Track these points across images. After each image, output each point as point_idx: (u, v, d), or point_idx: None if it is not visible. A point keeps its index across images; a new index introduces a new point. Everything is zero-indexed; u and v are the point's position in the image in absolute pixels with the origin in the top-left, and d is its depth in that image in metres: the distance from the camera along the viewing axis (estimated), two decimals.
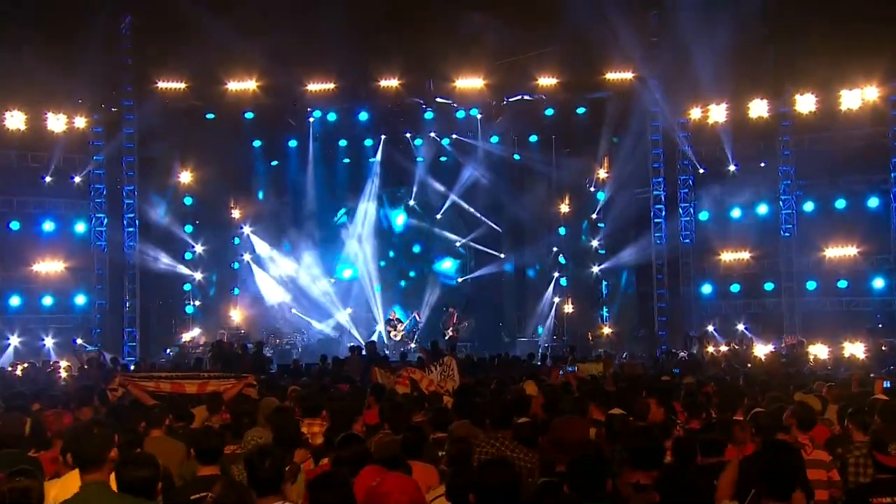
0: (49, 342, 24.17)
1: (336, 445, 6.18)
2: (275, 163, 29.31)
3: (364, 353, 21.23)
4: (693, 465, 6.08)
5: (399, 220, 30.31)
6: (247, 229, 29.02)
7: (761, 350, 23.37)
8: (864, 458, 6.28)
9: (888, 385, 10.56)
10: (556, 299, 28.82)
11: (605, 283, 28.75)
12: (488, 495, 4.53)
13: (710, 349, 23.57)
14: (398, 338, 26.88)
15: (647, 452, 5.41)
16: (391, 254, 30.24)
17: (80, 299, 25.53)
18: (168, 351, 26.12)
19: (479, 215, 29.56)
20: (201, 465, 5.98)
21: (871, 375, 13.76)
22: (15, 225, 24.82)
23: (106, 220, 25.89)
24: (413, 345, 26.05)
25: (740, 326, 25.34)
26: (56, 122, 24.73)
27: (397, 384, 11.80)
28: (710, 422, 7.83)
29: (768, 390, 10.36)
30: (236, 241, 28.99)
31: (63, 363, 21.84)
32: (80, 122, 25.24)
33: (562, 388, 11.30)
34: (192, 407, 9.18)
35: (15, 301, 24.49)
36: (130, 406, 9.76)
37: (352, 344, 23.28)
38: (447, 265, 30.65)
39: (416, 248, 30.66)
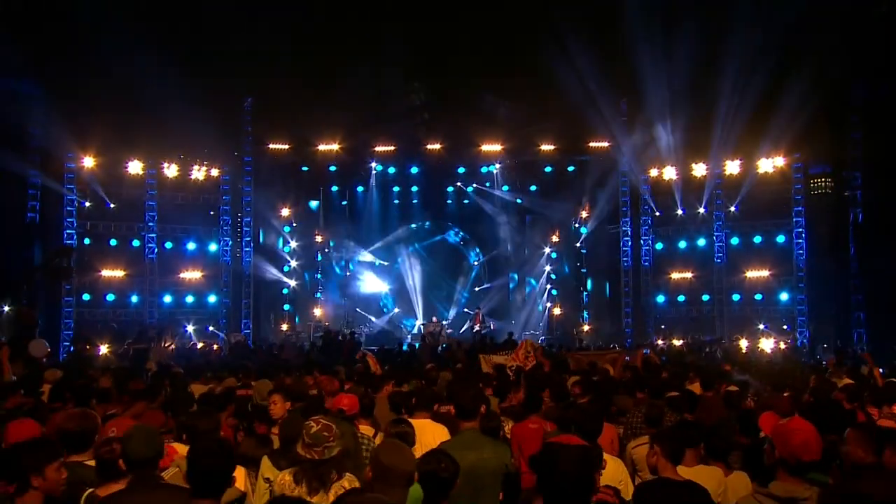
0: (190, 328, 24.82)
1: (565, 408, 5.84)
2: (344, 202, 29.72)
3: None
4: None
5: (433, 244, 30.47)
6: (326, 250, 29.53)
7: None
8: None
9: (883, 371, 10.05)
10: (549, 305, 29.03)
11: (584, 293, 28.89)
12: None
13: (678, 342, 23.83)
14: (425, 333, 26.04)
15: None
16: (427, 269, 30.20)
17: (212, 298, 25.96)
18: (271, 338, 26.37)
19: (492, 242, 29.93)
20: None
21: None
22: (168, 244, 25.42)
23: (230, 242, 26.38)
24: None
25: (684, 326, 25.32)
26: (198, 172, 25.49)
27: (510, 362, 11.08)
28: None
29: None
30: (319, 258, 29.36)
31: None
32: (215, 172, 25.95)
33: (655, 368, 10.63)
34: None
35: (167, 299, 25.21)
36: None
37: (423, 333, 23.64)
38: (468, 278, 30.60)
39: (446, 265, 30.60)
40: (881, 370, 9.41)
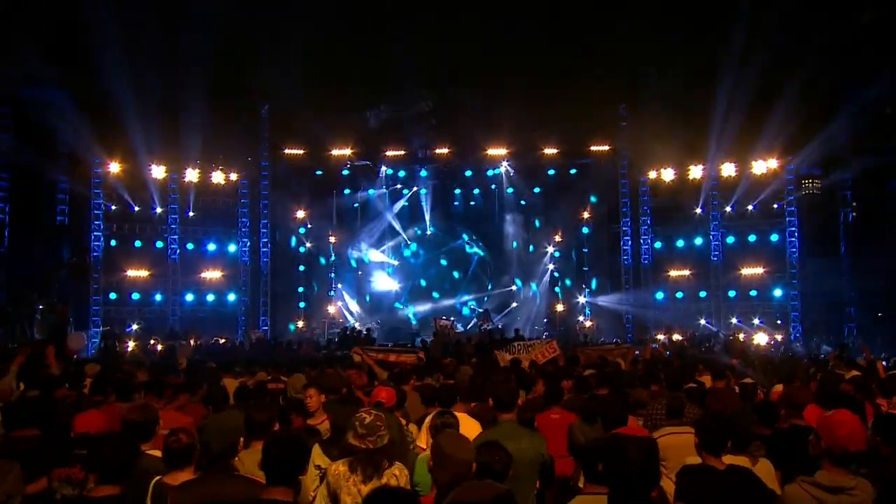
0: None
1: (589, 399, 5.88)
2: (356, 205, 29.47)
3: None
4: None
5: (441, 243, 30.11)
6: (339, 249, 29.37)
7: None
8: None
9: (886, 364, 9.77)
10: (552, 301, 28.74)
11: (587, 290, 28.52)
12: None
13: (677, 336, 23.50)
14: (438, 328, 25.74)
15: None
16: (436, 267, 30.22)
17: (231, 297, 26.03)
18: (290, 334, 26.38)
19: (498, 242, 29.70)
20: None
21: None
22: (190, 245, 25.56)
23: (248, 243, 26.49)
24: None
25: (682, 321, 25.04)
26: (217, 176, 25.59)
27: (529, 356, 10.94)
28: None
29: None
30: (332, 258, 29.17)
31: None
32: (233, 176, 26.04)
33: (663, 362, 10.52)
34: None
35: (189, 297, 25.29)
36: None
37: (434, 329, 23.85)
38: (475, 277, 30.34)
39: (455, 264, 30.43)
40: (884, 363, 9.20)
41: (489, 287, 30.38)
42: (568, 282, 29.61)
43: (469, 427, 5.29)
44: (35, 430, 5.13)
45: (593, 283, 28.93)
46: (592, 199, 28.60)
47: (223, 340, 22.81)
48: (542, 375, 8.14)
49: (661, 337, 23.96)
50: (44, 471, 4.37)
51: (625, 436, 2.72)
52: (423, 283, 30.10)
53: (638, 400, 6.72)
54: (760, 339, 23.24)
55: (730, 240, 25.69)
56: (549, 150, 26.94)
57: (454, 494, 2.03)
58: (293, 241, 28.55)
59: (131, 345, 19.93)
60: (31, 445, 4.84)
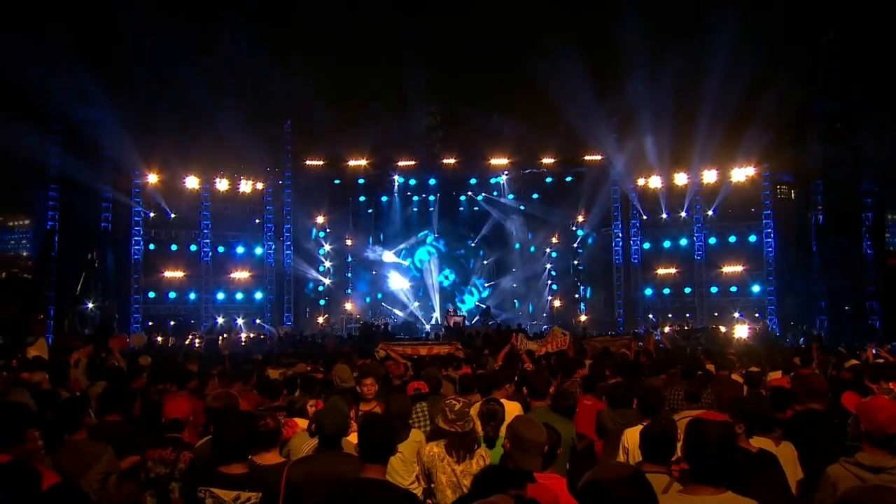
0: (240, 321, 24.95)
1: (615, 387, 5.79)
2: (371, 210, 29.61)
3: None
4: None
5: (448, 245, 30.23)
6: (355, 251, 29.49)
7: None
8: None
9: (875, 351, 9.52)
10: (549, 298, 28.97)
11: (581, 287, 28.90)
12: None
13: (667, 329, 23.78)
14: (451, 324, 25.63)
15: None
16: (444, 266, 30.09)
17: (258, 295, 26.21)
18: (309, 331, 26.34)
19: (499, 244, 29.83)
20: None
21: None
22: (220, 248, 25.75)
23: (273, 246, 26.52)
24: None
25: (670, 315, 25.73)
26: (245, 186, 25.77)
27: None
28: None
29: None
30: (349, 259, 29.36)
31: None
32: (259, 185, 26.19)
33: (666, 352, 10.39)
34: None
35: (220, 295, 25.53)
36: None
37: (447, 324, 23.85)
38: (479, 276, 30.36)
39: (460, 263, 30.47)
40: (873, 351, 9.15)
41: (491, 286, 30.37)
42: (565, 280, 29.60)
43: (512, 410, 5.25)
44: (117, 416, 5.30)
45: (589, 288, 28.94)
46: (586, 204, 28.34)
47: (252, 335, 22.80)
48: (560, 367, 8.16)
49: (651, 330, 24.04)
50: (133, 451, 4.49)
51: (705, 419, 2.65)
52: (431, 281, 29.92)
53: (654, 387, 6.77)
54: (741, 331, 23.10)
55: (712, 241, 25.83)
56: (547, 160, 27.11)
57: (592, 473, 2.07)
58: (314, 242, 28.61)
59: (171, 340, 20.04)
60: (118, 429, 5.01)
